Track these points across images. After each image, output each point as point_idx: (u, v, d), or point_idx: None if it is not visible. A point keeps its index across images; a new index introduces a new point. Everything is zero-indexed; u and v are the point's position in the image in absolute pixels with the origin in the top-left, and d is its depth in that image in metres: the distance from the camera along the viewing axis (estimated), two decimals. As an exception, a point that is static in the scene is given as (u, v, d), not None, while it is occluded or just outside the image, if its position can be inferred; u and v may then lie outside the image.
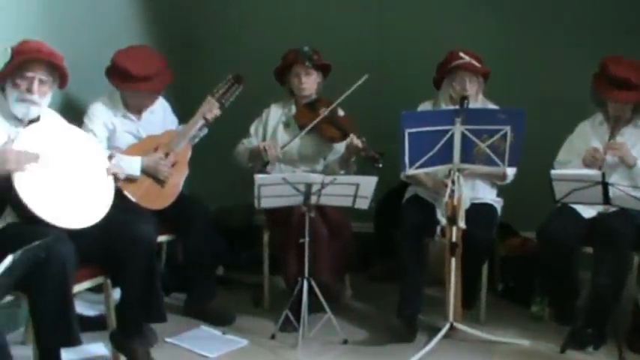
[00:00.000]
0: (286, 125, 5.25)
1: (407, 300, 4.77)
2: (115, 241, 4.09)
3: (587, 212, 4.70)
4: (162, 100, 5.15)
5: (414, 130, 4.33)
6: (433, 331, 4.67)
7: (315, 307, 4.68)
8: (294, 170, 5.13)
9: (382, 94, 5.75)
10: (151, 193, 4.81)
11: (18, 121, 4.06)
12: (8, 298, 3.80)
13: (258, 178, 4.46)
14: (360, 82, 4.97)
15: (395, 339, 4.69)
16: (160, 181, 4.86)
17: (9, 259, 2.76)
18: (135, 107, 4.96)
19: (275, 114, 5.32)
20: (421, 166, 4.45)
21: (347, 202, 4.56)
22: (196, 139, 5.11)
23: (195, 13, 6.49)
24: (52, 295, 3.74)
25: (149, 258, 4.19)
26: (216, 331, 4.88)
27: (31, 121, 4.08)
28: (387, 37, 6.12)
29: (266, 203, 4.53)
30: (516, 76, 5.71)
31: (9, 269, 2.75)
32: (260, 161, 5.07)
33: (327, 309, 4.63)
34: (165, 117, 5.18)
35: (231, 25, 6.46)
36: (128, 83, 4.82)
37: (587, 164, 4.64)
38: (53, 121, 4.26)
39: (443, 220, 4.72)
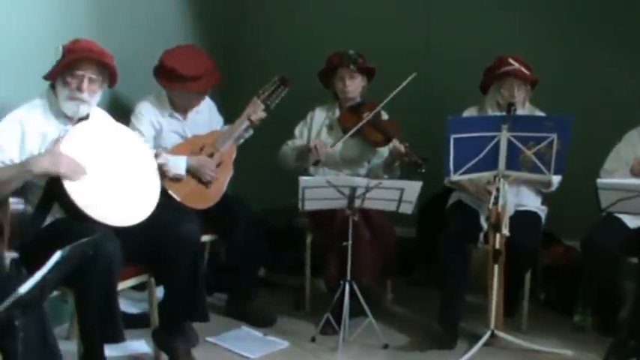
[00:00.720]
0: (330, 128, 5.26)
1: (448, 306, 4.75)
2: (160, 240, 4.11)
3: (633, 222, 4.66)
4: (208, 100, 5.17)
5: (459, 135, 4.31)
6: (474, 338, 4.63)
7: (356, 311, 4.67)
8: (337, 174, 5.13)
9: (427, 99, 5.74)
10: (195, 192, 4.84)
11: (67, 119, 4.10)
12: (54, 293, 3.84)
13: (303, 180, 4.47)
14: (407, 81, 4.96)
15: (435, 345, 4.67)
16: (205, 181, 4.88)
17: (58, 255, 2.78)
18: (181, 107, 4.99)
19: (319, 117, 5.33)
20: (466, 172, 4.42)
21: (391, 207, 4.55)
22: (241, 140, 5.14)
23: (242, 14, 6.53)
24: (97, 292, 3.78)
25: (194, 258, 4.21)
26: (257, 332, 4.90)
27: (80, 119, 4.13)
28: (433, 41, 6.10)
29: (310, 205, 4.54)
30: (561, 82, 5.64)
31: (58, 265, 2.77)
32: (307, 160, 5.09)
33: (369, 313, 4.62)
34: (211, 117, 5.20)
35: (278, 26, 6.49)
36: (176, 83, 4.85)
37: (635, 174, 4.60)
38: (102, 120, 4.30)
39: (486, 227, 4.70)
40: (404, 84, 4.97)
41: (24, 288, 2.66)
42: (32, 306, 3.07)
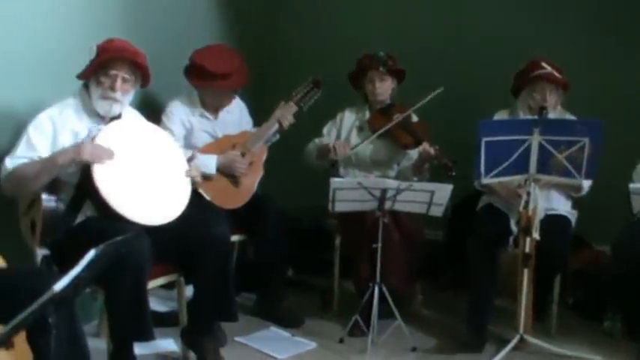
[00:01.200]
0: (360, 130, 5.25)
1: (477, 309, 4.74)
2: (190, 240, 4.13)
3: (665, 227, 4.63)
4: (239, 100, 5.20)
5: (490, 138, 4.30)
6: (502, 342, 4.62)
7: (384, 313, 4.65)
8: (366, 175, 5.13)
9: (454, 102, 5.71)
10: (225, 192, 4.85)
11: (100, 118, 4.13)
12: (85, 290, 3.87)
13: (334, 181, 4.47)
14: (434, 94, 4.94)
15: (464, 348, 4.67)
16: (235, 181, 4.90)
17: (92, 253, 2.79)
18: (212, 106, 5.01)
19: (349, 119, 5.33)
20: (497, 176, 4.40)
21: (421, 209, 4.55)
22: (269, 142, 5.15)
23: (273, 16, 6.53)
24: (128, 290, 3.80)
25: (224, 258, 4.23)
26: (285, 333, 4.91)
27: (113, 119, 4.15)
28: (462, 43, 6.08)
29: (340, 207, 4.54)
30: (593, 86, 5.60)
31: (91, 263, 2.78)
32: (327, 160, 5.09)
33: (397, 315, 4.61)
34: (241, 117, 5.22)
35: (308, 27, 6.49)
36: (205, 81, 4.86)
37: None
38: (134, 119, 4.32)
39: (516, 230, 4.68)
40: (431, 96, 4.96)
41: (59, 285, 2.67)
42: (65, 303, 3.09)
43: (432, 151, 4.89)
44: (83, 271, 2.76)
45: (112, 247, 2.93)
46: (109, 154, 3.91)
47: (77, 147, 3.89)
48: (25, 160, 3.92)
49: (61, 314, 3.06)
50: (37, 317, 2.75)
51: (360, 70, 5.23)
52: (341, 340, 4.74)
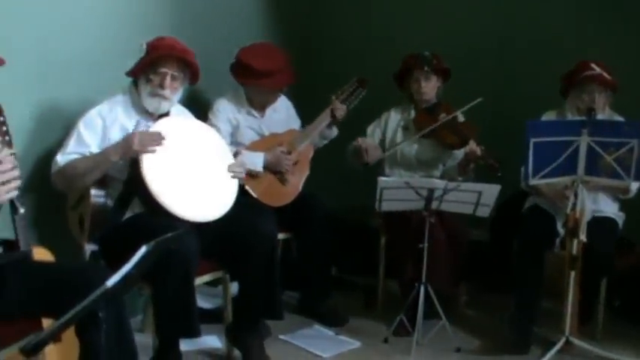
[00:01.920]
0: (405, 129, 5.24)
1: (522, 311, 4.70)
2: (238, 237, 4.15)
3: None
4: (285, 99, 5.21)
5: (539, 139, 4.27)
6: (548, 344, 4.59)
7: (429, 314, 4.64)
8: (411, 175, 5.12)
9: (501, 102, 5.69)
10: (271, 190, 4.86)
11: (149, 115, 4.16)
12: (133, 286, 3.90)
13: (382, 181, 4.46)
14: (473, 104, 4.93)
15: (509, 350, 4.65)
16: (282, 179, 4.91)
17: (143, 250, 2.80)
18: (258, 104, 5.01)
19: (394, 118, 5.32)
20: (545, 177, 4.36)
21: (468, 209, 4.53)
22: (325, 141, 5.19)
23: (319, 15, 6.53)
24: (175, 287, 3.83)
25: (271, 255, 4.25)
26: (329, 331, 4.92)
27: (161, 116, 4.18)
28: (509, 43, 6.03)
29: (387, 206, 4.53)
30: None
31: (142, 259, 2.80)
32: (359, 160, 5.08)
33: (442, 315, 4.60)
34: (288, 116, 5.23)
35: (353, 27, 6.49)
36: (251, 79, 4.87)
37: None
38: (182, 117, 4.34)
39: (563, 232, 4.64)
40: (470, 105, 4.95)
41: (111, 281, 2.69)
42: (114, 299, 3.12)
43: (478, 151, 4.86)
44: (134, 267, 2.77)
45: (162, 243, 2.94)
46: (157, 139, 3.94)
47: (125, 140, 3.93)
48: (76, 156, 3.96)
49: (110, 309, 3.08)
50: (88, 312, 2.76)
51: (405, 70, 5.22)
52: (385, 340, 4.74)
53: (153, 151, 3.93)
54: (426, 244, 4.53)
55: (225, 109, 4.93)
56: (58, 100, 4.32)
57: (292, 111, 5.28)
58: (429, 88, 5.18)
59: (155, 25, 4.78)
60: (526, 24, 5.95)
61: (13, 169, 3.02)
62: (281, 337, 4.77)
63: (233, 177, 4.27)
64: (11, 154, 3.08)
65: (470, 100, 4.96)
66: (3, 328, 2.86)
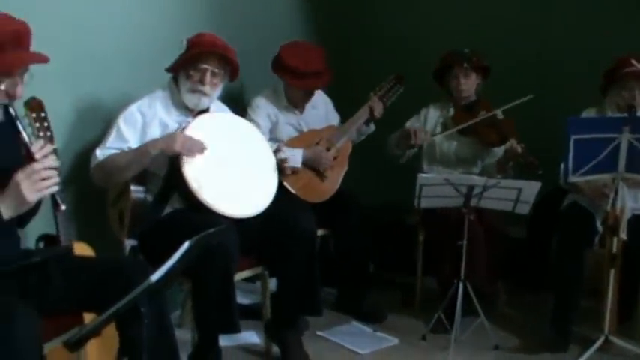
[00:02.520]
0: (444, 127, 5.22)
1: (561, 309, 4.67)
2: (277, 234, 4.17)
3: None
4: (324, 94, 5.22)
5: (579, 136, 4.23)
6: (587, 342, 4.55)
7: (467, 311, 4.62)
8: (450, 173, 5.09)
9: (541, 99, 5.65)
10: (310, 186, 4.87)
11: (188, 111, 4.18)
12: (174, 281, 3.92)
13: (421, 177, 4.45)
14: (524, 100, 4.89)
15: (547, 348, 4.62)
16: (320, 175, 4.91)
17: (186, 245, 2.82)
18: (297, 101, 5.02)
19: (433, 115, 5.30)
20: (585, 174, 4.32)
21: (507, 207, 4.48)
22: (363, 137, 5.17)
23: (357, 12, 6.52)
24: (216, 283, 3.85)
25: (310, 252, 4.25)
26: (367, 328, 4.93)
27: (201, 112, 4.20)
28: (548, 39, 5.99)
29: (426, 203, 4.51)
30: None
31: (185, 255, 2.81)
32: (407, 145, 5.07)
33: (481, 313, 4.58)
34: (327, 112, 5.23)
35: (390, 24, 6.47)
36: (291, 78, 4.87)
37: None
38: (221, 112, 4.36)
39: (602, 230, 4.60)
40: (519, 101, 4.91)
41: (155, 276, 2.71)
42: (156, 294, 3.13)
43: (518, 149, 4.83)
44: (178, 262, 2.78)
45: (204, 239, 2.95)
46: (200, 147, 3.95)
47: (169, 138, 3.94)
48: (116, 151, 3.98)
49: (152, 304, 3.08)
50: (131, 306, 2.78)
51: (445, 67, 5.21)
52: (423, 337, 4.73)
53: (192, 157, 3.94)
54: (465, 242, 4.51)
55: (264, 105, 4.94)
56: (98, 96, 4.35)
57: (331, 106, 5.29)
58: (468, 85, 5.16)
59: (193, 22, 4.81)
60: (566, 20, 5.91)
61: (54, 164, 3.05)
62: (319, 333, 4.80)
63: (277, 172, 4.30)
64: (53, 150, 3.10)
65: (508, 96, 4.95)
66: (46, 322, 2.87)
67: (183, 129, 4.02)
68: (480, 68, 5.18)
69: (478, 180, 4.44)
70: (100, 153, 4.00)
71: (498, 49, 5.65)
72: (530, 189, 4.39)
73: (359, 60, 6.45)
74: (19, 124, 3.03)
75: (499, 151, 5.08)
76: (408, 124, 5.30)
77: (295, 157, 4.77)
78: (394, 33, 6.47)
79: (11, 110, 3.01)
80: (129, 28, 4.50)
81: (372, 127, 5.17)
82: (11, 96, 2.98)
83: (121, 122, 4.05)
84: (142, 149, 3.97)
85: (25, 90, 3.04)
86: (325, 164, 4.90)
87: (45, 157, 3.00)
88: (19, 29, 2.94)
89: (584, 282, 4.71)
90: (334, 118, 5.26)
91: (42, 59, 3.00)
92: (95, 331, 2.79)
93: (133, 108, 4.09)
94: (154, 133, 4.09)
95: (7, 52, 2.89)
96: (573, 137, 4.21)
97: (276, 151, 4.40)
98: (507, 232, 5.01)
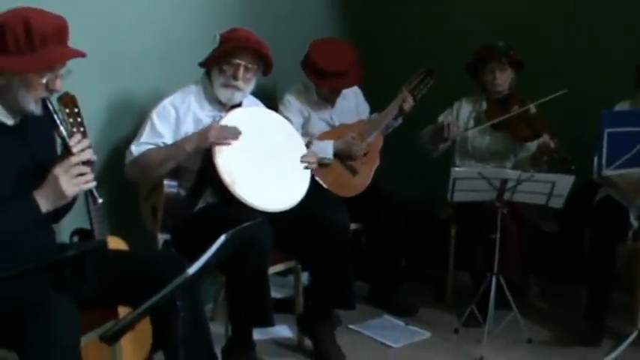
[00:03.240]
0: (477, 121, 5.20)
1: (595, 303, 4.65)
2: (311, 227, 4.17)
3: None
4: (354, 87, 5.19)
5: (614, 129, 4.20)
6: (620, 336, 4.53)
7: (499, 304, 4.60)
8: (483, 167, 5.06)
9: (573, 92, 5.62)
10: (342, 180, 4.87)
11: (221, 106, 4.18)
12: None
13: (455, 171, 4.43)
14: (556, 95, 4.85)
15: (580, 342, 4.61)
16: (352, 170, 4.91)
17: (222, 239, 2.83)
18: (326, 97, 5.02)
19: (466, 108, 5.28)
20: (618, 167, 4.30)
21: (540, 200, 4.45)
22: (389, 129, 5.16)
23: (388, 6, 6.51)
24: (250, 276, 3.87)
25: (343, 246, 4.25)
26: (399, 322, 4.93)
27: (233, 107, 4.20)
28: (580, 32, 5.94)
29: (459, 197, 4.48)
30: None
31: (221, 249, 2.82)
32: (439, 137, 5.06)
33: (513, 306, 4.56)
34: (357, 104, 5.22)
35: (423, 17, 6.45)
36: (320, 79, 4.86)
37: None
38: (254, 107, 4.36)
39: (636, 224, 4.59)
40: (553, 96, 4.86)
41: (192, 269, 2.72)
42: (191, 287, 3.14)
43: (552, 144, 4.81)
44: (214, 256, 2.80)
45: (239, 233, 2.97)
46: (234, 133, 3.97)
47: (202, 133, 3.96)
48: (150, 147, 4.00)
49: (187, 298, 3.10)
50: (167, 300, 2.79)
51: (480, 60, 5.17)
52: (456, 331, 4.73)
53: (228, 144, 3.95)
54: (498, 235, 4.49)
55: (296, 100, 4.94)
56: (130, 91, 4.38)
57: (361, 96, 5.28)
58: (503, 79, 5.12)
59: (225, 17, 4.82)
60: (598, 12, 5.86)
61: (92, 158, 3.07)
62: (351, 326, 4.81)
63: (305, 168, 4.28)
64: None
65: (540, 90, 4.92)
66: (82, 316, 2.89)
67: (217, 122, 4.03)
68: (514, 63, 5.14)
69: (512, 173, 4.42)
70: (135, 148, 4.03)
71: (529, 41, 5.61)
72: (564, 182, 4.36)
73: (390, 54, 6.43)
74: (56, 118, 3.05)
75: (532, 145, 5.05)
76: (441, 118, 5.28)
77: (326, 149, 4.77)
78: (425, 28, 6.43)
79: (49, 104, 3.03)
80: (162, 26, 4.52)
81: (399, 120, 5.15)
82: (51, 89, 3.00)
83: (155, 117, 4.07)
84: (178, 145, 3.99)
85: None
86: (357, 153, 4.90)
87: (82, 150, 3.03)
88: (60, 24, 2.97)
89: (618, 276, 4.69)
90: (364, 109, 5.26)
91: (81, 54, 3.03)
92: (131, 325, 2.81)
93: (166, 102, 4.11)
94: (188, 127, 4.11)
95: (50, 47, 2.92)
96: (607, 130, 4.18)
97: (307, 145, 4.41)
98: (540, 225, 4.98)
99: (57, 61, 2.98)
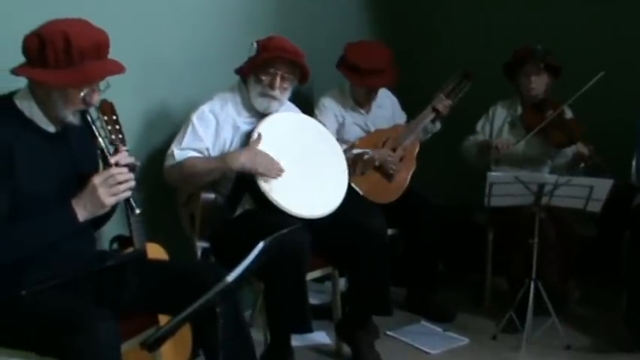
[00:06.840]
0: (512, 126, 5.18)
1: (635, 309, 4.59)
2: (348, 234, 4.17)
3: None
4: (390, 95, 5.22)
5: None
6: (662, 343, 4.49)
7: (538, 310, 4.57)
8: (519, 172, 5.04)
9: (610, 95, 5.58)
10: (378, 186, 4.86)
11: (258, 114, 4.18)
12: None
13: (491, 176, 4.42)
14: (595, 80, 4.74)
15: (621, 348, 4.56)
16: (388, 176, 4.90)
17: (261, 246, 2.83)
18: (361, 100, 5.02)
19: (501, 113, 5.26)
20: (657, 172, 4.29)
21: (579, 204, 4.42)
22: (429, 135, 5.14)
23: (424, 9, 6.49)
24: (288, 282, 3.87)
25: (381, 251, 4.24)
26: (436, 328, 4.91)
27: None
28: (618, 36, 5.90)
29: (496, 202, 4.47)
30: None
31: (260, 255, 2.83)
32: (487, 156, 5.04)
33: (552, 312, 4.53)
34: (394, 112, 5.23)
35: (459, 20, 6.42)
36: (356, 76, 4.87)
37: None
38: (293, 113, 4.37)
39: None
40: (590, 83, 4.76)
41: (231, 276, 2.72)
42: (230, 294, 3.15)
43: (586, 151, 4.79)
44: (252, 263, 2.80)
45: (277, 239, 2.97)
46: (277, 169, 4.00)
47: (250, 156, 3.97)
48: (193, 153, 4.02)
49: (227, 305, 3.11)
50: (206, 307, 2.80)
51: (517, 62, 5.14)
52: (494, 337, 4.70)
53: (271, 177, 4.00)
54: (536, 240, 4.46)
55: (331, 105, 4.95)
56: (166, 98, 4.41)
57: (397, 107, 5.28)
58: (539, 83, 5.09)
59: (261, 23, 4.84)
60: (635, 15, 5.82)
61: (136, 163, 3.10)
62: (388, 333, 4.79)
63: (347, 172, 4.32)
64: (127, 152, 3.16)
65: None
66: (122, 323, 2.91)
67: (259, 135, 4.04)
68: (552, 68, 5.11)
69: (549, 178, 4.40)
70: (178, 153, 4.03)
71: (566, 46, 5.57)
72: (603, 186, 4.33)
73: (426, 59, 6.41)
74: (94, 129, 3.08)
75: (569, 150, 5.02)
76: (479, 126, 5.28)
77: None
78: (461, 31, 6.41)
79: (88, 116, 3.05)
80: (195, 31, 4.55)
81: (438, 125, 5.13)
82: (88, 104, 3.02)
83: (195, 120, 4.08)
84: (224, 161, 4.00)
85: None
86: (391, 167, 4.89)
87: (119, 162, 3.05)
88: (99, 38, 2.98)
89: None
90: (401, 118, 5.25)
91: (119, 70, 3.04)
92: (172, 332, 2.81)
93: (206, 108, 4.12)
94: (227, 134, 4.13)
95: (89, 62, 2.93)
96: (646, 133, 4.16)
97: (346, 151, 4.41)
98: (578, 230, 4.94)
99: (95, 78, 3.00)
